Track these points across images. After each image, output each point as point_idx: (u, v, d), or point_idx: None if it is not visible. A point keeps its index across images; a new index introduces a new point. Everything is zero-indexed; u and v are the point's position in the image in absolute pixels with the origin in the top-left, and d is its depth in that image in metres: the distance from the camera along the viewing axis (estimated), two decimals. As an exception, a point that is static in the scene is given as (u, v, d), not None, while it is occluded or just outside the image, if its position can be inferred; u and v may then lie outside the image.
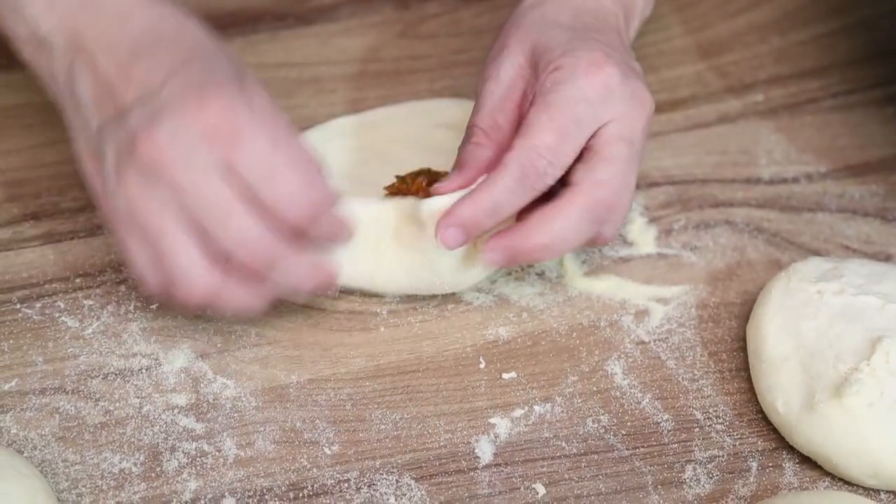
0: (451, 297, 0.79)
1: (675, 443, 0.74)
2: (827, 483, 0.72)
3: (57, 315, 0.77)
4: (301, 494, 0.70)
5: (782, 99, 0.93)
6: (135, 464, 0.71)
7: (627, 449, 0.73)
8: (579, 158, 0.72)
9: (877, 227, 0.85)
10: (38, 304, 0.77)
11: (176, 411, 0.73)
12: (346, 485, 0.71)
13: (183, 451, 0.72)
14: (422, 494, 0.71)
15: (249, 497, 0.70)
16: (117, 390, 0.74)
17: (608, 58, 0.72)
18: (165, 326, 0.77)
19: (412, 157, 0.81)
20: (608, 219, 0.73)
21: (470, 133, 0.74)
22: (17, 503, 0.65)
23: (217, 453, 0.72)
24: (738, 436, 0.74)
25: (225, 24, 0.90)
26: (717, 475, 0.72)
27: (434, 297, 0.79)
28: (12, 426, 0.72)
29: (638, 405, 0.75)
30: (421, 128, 0.85)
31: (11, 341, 0.76)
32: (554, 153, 0.71)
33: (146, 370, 0.75)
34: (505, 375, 0.76)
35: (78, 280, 0.79)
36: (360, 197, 0.75)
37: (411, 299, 0.79)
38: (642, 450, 0.73)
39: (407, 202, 0.75)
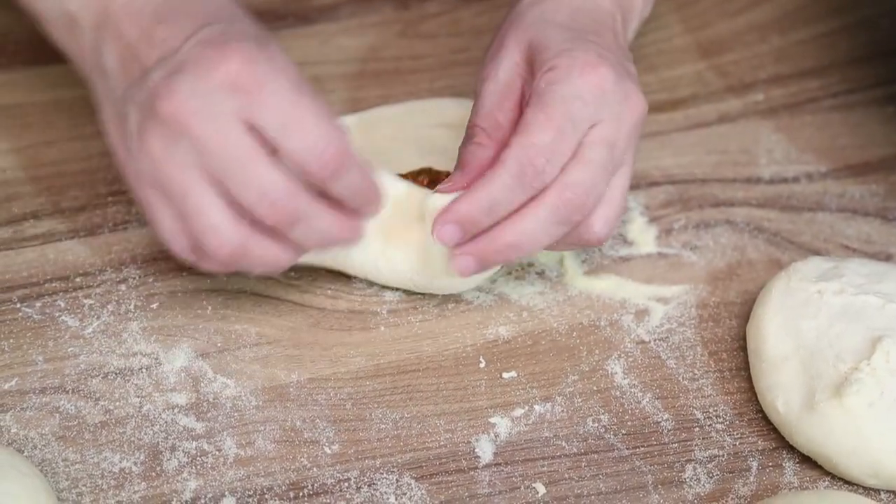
0: (451, 297, 0.79)
1: (675, 442, 0.74)
2: (827, 483, 0.72)
3: (57, 314, 0.77)
4: (301, 494, 0.70)
5: (782, 98, 0.93)
6: (135, 463, 0.71)
7: (627, 448, 0.73)
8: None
9: (877, 227, 0.85)
10: (39, 304, 0.77)
11: (176, 410, 0.73)
12: (346, 484, 0.71)
13: (183, 451, 0.72)
14: (422, 494, 0.71)
15: (249, 496, 0.70)
16: (117, 389, 0.74)
17: (602, 59, 0.72)
18: (165, 326, 0.77)
19: (412, 157, 0.81)
20: (580, 219, 0.72)
21: (471, 133, 0.74)
22: (17, 503, 0.65)
23: (217, 452, 0.72)
24: (739, 435, 0.74)
25: (225, 24, 0.90)
26: (718, 475, 0.72)
27: (434, 296, 0.79)
28: (12, 425, 0.72)
29: (638, 405, 0.75)
30: (421, 127, 0.85)
31: (11, 340, 0.76)
32: (552, 151, 0.71)
33: (146, 369, 0.75)
34: (505, 375, 0.76)
35: (78, 279, 0.79)
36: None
37: (411, 298, 0.79)
38: (642, 449, 0.73)
39: (420, 192, 0.75)
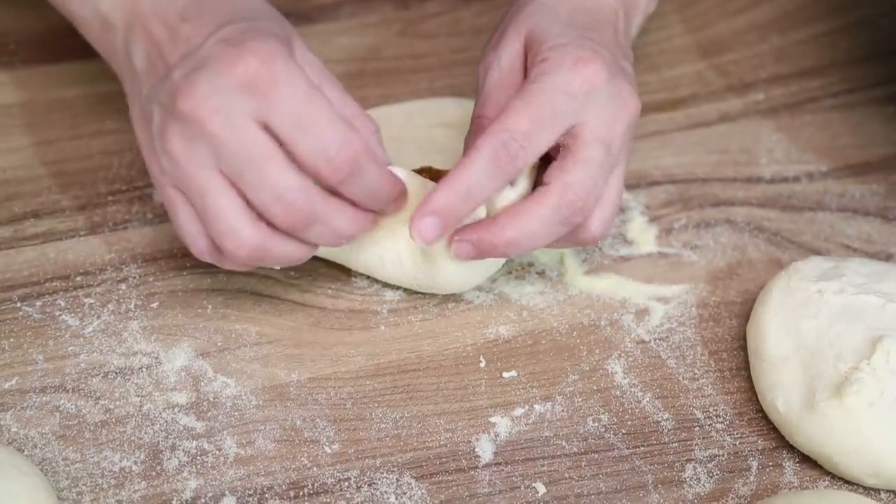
0: (451, 296, 0.79)
1: (675, 442, 0.74)
2: (827, 482, 0.72)
3: (57, 313, 0.77)
4: (301, 493, 0.70)
5: (783, 98, 0.93)
6: (135, 462, 0.71)
7: (628, 448, 0.73)
8: (555, 157, 0.72)
9: (877, 227, 0.85)
10: (39, 303, 0.77)
11: (176, 410, 0.73)
12: (346, 483, 0.71)
13: (183, 450, 0.72)
14: (422, 493, 0.71)
15: (250, 496, 0.70)
16: (118, 389, 0.74)
17: (596, 55, 0.72)
18: (166, 325, 0.77)
19: (412, 156, 0.81)
20: (581, 220, 0.72)
21: (477, 124, 0.74)
22: (17, 501, 0.65)
23: (217, 452, 0.72)
24: (739, 435, 0.74)
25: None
26: (718, 474, 0.72)
27: (434, 295, 0.79)
28: (12, 424, 0.72)
29: (638, 404, 0.75)
30: (421, 127, 0.85)
31: (12, 339, 0.76)
32: (526, 137, 0.70)
33: (146, 369, 0.75)
34: (505, 374, 0.76)
35: (78, 278, 0.79)
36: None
37: (412, 298, 0.79)
38: (642, 449, 0.73)
39: (428, 186, 0.74)
